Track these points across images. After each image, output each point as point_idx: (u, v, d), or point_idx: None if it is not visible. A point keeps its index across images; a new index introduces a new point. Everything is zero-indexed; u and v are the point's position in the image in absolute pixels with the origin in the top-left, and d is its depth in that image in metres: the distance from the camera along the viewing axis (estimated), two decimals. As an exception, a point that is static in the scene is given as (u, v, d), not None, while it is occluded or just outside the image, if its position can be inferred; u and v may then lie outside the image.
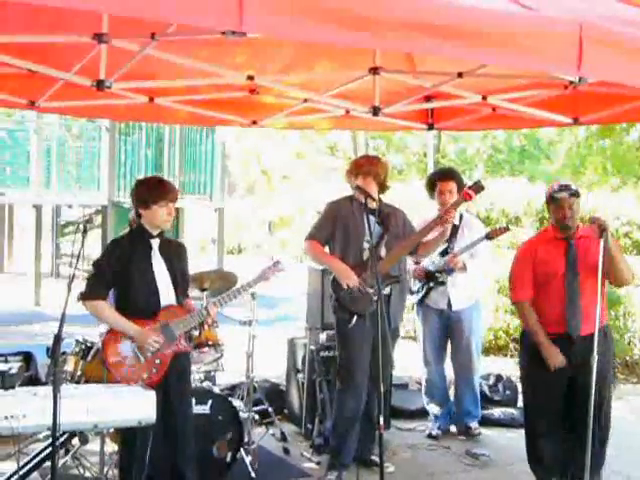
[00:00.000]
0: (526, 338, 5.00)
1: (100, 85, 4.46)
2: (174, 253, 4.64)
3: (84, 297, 4.42)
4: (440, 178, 6.31)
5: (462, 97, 5.72)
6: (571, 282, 4.79)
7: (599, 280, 4.45)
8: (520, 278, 5.00)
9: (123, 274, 4.40)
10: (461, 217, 6.34)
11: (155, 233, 4.53)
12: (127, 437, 4.39)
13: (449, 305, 6.29)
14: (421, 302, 6.38)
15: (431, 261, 6.23)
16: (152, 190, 4.47)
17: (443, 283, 6.23)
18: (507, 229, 6.31)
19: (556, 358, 4.77)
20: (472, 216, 7.02)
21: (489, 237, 6.14)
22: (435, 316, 6.36)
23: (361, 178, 5.28)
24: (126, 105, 5.98)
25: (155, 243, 4.53)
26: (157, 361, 4.41)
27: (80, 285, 4.40)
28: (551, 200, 4.83)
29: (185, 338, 4.58)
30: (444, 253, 6.21)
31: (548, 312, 4.86)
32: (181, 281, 4.63)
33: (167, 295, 4.51)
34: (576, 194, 4.79)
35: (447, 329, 6.39)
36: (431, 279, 6.25)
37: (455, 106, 6.27)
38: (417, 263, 6.23)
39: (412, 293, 6.32)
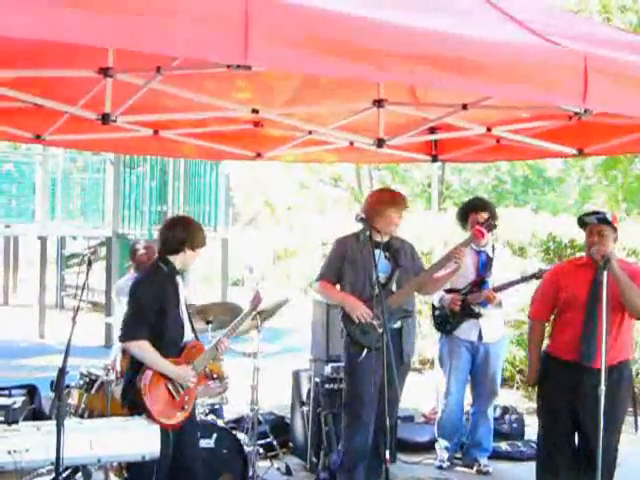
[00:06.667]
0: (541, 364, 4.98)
1: (105, 119, 4.46)
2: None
3: (126, 338, 4.30)
4: (473, 209, 6.16)
5: (466, 129, 5.72)
6: (591, 310, 4.65)
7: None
8: (541, 301, 5.07)
9: (161, 311, 4.32)
10: (493, 248, 6.26)
11: (179, 269, 4.53)
12: (136, 473, 4.34)
13: (480, 337, 6.16)
14: (448, 333, 6.22)
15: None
16: (191, 235, 4.46)
17: (480, 315, 6.06)
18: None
19: (531, 377, 5.06)
20: (502, 249, 6.93)
21: (538, 277, 5.79)
22: (464, 348, 6.21)
23: (397, 211, 5.25)
24: (131, 138, 6.00)
25: (180, 279, 4.52)
26: (186, 398, 4.38)
27: (85, 317, 4.39)
28: (580, 225, 4.84)
29: (203, 373, 4.59)
30: (480, 285, 6.08)
31: (566, 338, 4.81)
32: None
33: (189, 332, 4.51)
34: (605, 220, 4.68)
35: (473, 361, 6.26)
36: (466, 311, 6.06)
37: (459, 138, 6.27)
38: (451, 291, 6.05)
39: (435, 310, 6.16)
